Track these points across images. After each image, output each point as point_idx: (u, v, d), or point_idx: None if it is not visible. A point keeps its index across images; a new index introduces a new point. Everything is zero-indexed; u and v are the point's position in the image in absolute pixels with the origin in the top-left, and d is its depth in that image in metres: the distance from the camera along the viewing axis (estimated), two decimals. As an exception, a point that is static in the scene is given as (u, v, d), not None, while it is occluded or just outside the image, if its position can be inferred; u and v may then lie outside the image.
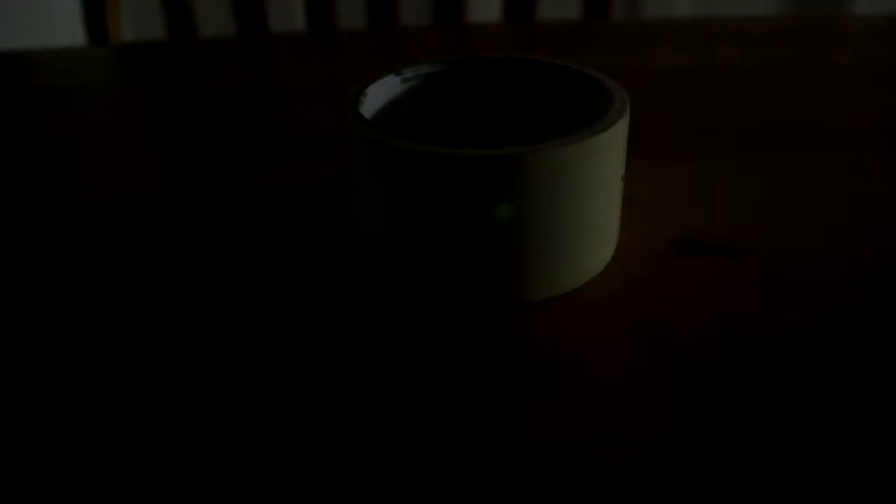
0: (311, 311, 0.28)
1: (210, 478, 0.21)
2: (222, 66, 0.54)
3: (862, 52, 0.51)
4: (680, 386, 0.24)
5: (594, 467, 0.21)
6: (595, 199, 0.27)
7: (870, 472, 0.21)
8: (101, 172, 0.38)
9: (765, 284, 0.28)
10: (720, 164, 0.37)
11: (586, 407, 0.23)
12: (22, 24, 0.97)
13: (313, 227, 0.33)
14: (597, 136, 0.25)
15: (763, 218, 0.32)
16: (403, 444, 0.22)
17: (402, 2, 0.73)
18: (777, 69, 0.49)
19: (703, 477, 0.21)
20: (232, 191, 0.36)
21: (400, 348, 0.26)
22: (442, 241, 0.26)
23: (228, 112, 0.45)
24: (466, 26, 0.63)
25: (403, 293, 0.28)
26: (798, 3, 1.28)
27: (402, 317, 0.27)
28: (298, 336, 0.26)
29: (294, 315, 0.27)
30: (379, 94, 0.31)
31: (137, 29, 1.18)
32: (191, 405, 0.24)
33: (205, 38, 0.63)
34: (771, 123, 0.41)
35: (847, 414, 0.23)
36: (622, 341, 0.26)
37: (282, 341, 0.26)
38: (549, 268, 0.27)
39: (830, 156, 0.38)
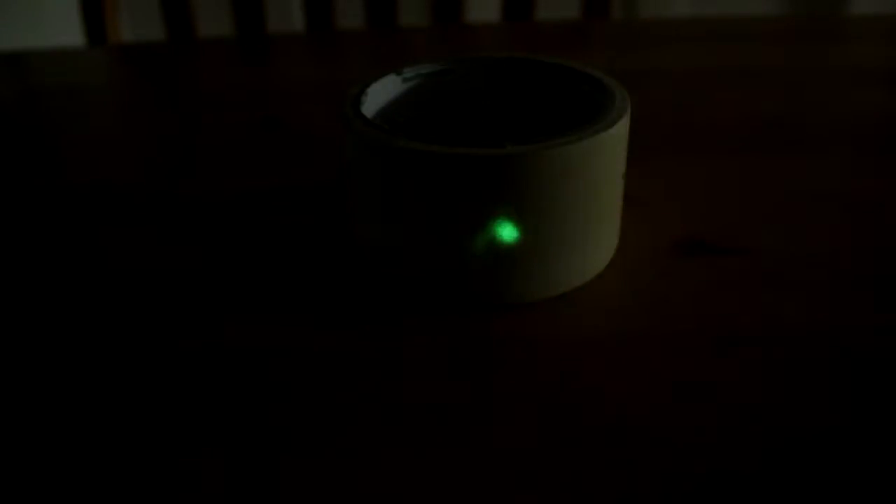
0: (311, 311, 0.28)
1: (207, 478, 0.21)
2: (222, 66, 0.54)
3: (862, 52, 0.51)
4: (680, 386, 0.24)
5: (594, 467, 0.21)
6: (596, 198, 0.27)
7: (870, 472, 0.21)
8: (100, 172, 0.38)
9: (765, 284, 0.28)
10: (721, 163, 0.37)
11: (586, 407, 0.23)
12: (21, 24, 0.97)
13: (313, 228, 0.33)
14: (598, 135, 0.25)
15: (763, 218, 0.32)
16: (403, 443, 0.22)
17: (401, 2, 0.73)
18: (777, 69, 0.49)
19: (702, 477, 0.21)
20: (231, 191, 0.36)
21: (400, 348, 0.26)
22: (442, 240, 0.26)
23: (228, 112, 0.45)
24: (466, 26, 0.63)
25: (403, 293, 0.28)
26: (798, 3, 1.28)
27: (402, 317, 0.27)
28: (298, 336, 0.26)
29: (294, 315, 0.27)
30: (380, 94, 0.30)
31: (136, 29, 1.18)
32: (189, 405, 0.24)
33: (204, 38, 0.63)
34: (771, 123, 0.41)
35: (847, 414, 0.23)
36: (623, 341, 0.26)
37: (281, 341, 0.26)
38: (549, 268, 0.27)
39: (830, 156, 0.38)
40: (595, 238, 0.28)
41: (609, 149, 0.26)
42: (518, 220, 0.26)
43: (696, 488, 0.21)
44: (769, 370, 0.24)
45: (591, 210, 0.27)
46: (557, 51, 0.53)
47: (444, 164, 0.25)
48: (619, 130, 0.26)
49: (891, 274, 0.29)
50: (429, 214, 0.26)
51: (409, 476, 0.21)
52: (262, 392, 0.24)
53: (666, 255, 0.30)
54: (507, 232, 0.26)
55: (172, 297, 0.29)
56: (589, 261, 0.28)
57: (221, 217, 0.34)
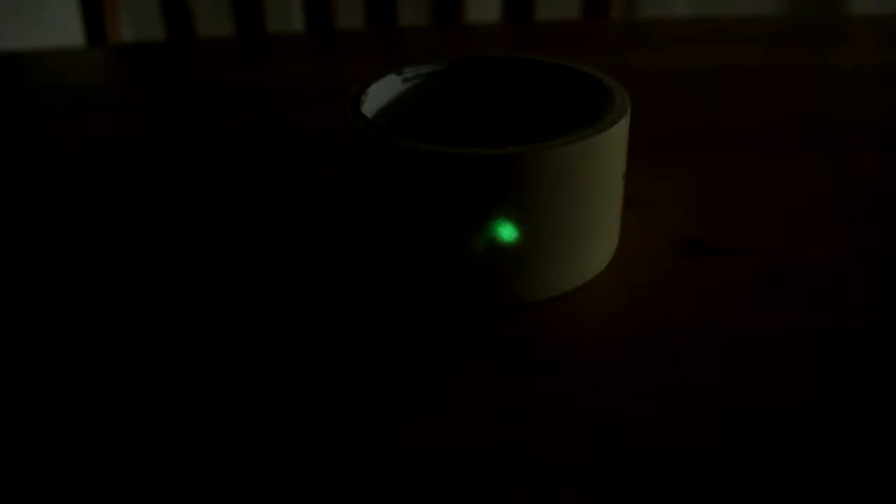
0: (312, 311, 0.28)
1: (206, 476, 0.21)
2: (222, 66, 0.54)
3: (862, 52, 0.51)
4: (680, 386, 0.24)
5: (594, 467, 0.21)
6: (596, 198, 0.27)
7: (869, 472, 0.21)
8: (100, 172, 0.38)
9: (765, 284, 0.28)
10: (720, 163, 0.37)
11: (586, 407, 0.23)
12: (22, 24, 0.97)
13: (313, 227, 0.33)
14: (598, 135, 0.25)
15: (763, 218, 0.32)
16: (403, 444, 0.22)
17: (401, 2, 0.73)
18: (777, 69, 0.49)
19: (703, 477, 0.21)
20: (231, 191, 0.36)
21: (400, 348, 0.26)
22: (443, 240, 0.26)
23: (228, 112, 0.45)
24: (466, 26, 0.63)
25: (404, 293, 0.28)
26: (798, 3, 1.28)
27: (402, 317, 0.27)
28: (298, 335, 0.26)
29: (294, 315, 0.27)
30: (380, 94, 0.31)
31: (136, 29, 1.18)
32: (189, 405, 0.24)
33: (204, 38, 0.63)
34: (771, 123, 0.41)
35: (847, 414, 0.23)
36: (622, 341, 0.26)
37: (282, 341, 0.26)
38: (549, 268, 0.27)
39: (830, 156, 0.38)
40: (595, 238, 0.28)
41: (609, 149, 0.26)
42: (518, 220, 0.26)
43: (696, 488, 0.21)
44: (769, 370, 0.24)
45: (591, 210, 0.27)
46: (557, 51, 0.53)
47: (444, 164, 0.25)
48: (619, 130, 0.26)
49: (891, 274, 0.29)
50: (429, 214, 0.26)
51: (409, 475, 0.21)
52: (261, 392, 0.24)
53: (666, 256, 0.30)
54: (507, 232, 0.26)
55: (172, 296, 0.29)
56: (589, 261, 0.28)
57: (221, 217, 0.34)
